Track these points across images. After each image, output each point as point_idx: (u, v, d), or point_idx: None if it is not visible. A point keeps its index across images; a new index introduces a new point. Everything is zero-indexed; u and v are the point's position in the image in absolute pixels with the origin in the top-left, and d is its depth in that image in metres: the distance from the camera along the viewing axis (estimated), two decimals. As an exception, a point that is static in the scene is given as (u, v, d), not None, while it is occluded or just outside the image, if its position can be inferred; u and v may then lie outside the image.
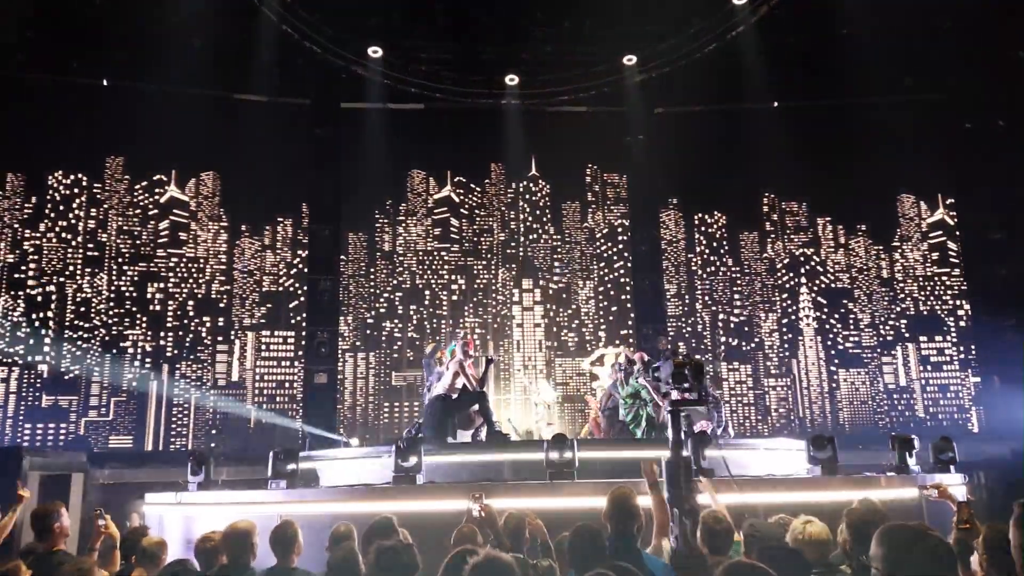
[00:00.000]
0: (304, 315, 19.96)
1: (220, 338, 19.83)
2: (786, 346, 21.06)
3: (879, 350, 20.95)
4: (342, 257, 20.62)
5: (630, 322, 20.93)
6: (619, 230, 21.72)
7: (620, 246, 21.60)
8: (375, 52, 18.53)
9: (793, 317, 21.23)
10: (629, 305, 21.13)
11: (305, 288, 20.10)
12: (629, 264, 21.46)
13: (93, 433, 18.57)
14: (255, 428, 19.36)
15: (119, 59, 17.46)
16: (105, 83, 17.81)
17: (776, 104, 20.00)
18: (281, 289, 20.30)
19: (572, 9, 17.63)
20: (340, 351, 19.98)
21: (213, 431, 19.27)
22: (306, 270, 20.21)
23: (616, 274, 21.45)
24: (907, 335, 20.97)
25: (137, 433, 18.81)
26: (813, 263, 21.40)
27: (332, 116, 19.53)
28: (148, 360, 19.22)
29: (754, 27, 17.70)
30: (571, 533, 4.88)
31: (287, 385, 19.80)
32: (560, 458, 9.06)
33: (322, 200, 19.57)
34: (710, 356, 20.12)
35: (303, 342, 19.78)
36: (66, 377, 18.63)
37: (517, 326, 21.19)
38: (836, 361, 20.92)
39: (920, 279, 21.19)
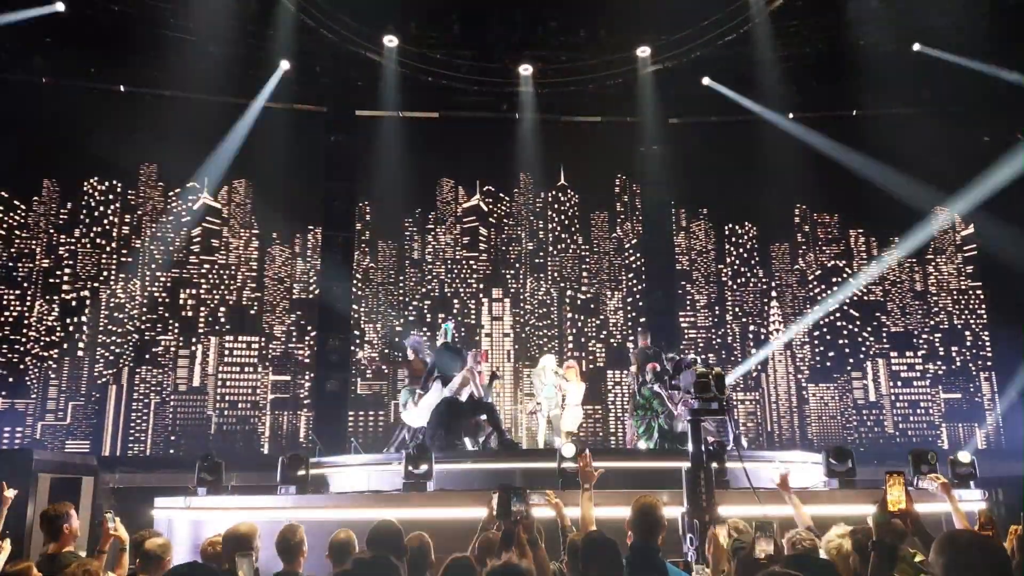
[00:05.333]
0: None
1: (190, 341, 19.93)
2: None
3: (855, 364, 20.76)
4: (371, 265, 20.72)
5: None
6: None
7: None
8: (391, 41, 18.43)
9: (764, 331, 21.06)
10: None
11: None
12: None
13: (49, 437, 18.58)
14: (215, 433, 19.47)
15: (144, 65, 17.49)
16: (122, 88, 17.81)
17: (792, 116, 19.54)
18: (312, 296, 20.38)
19: (585, 8, 17.37)
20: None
21: (172, 437, 19.34)
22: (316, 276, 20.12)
23: (643, 284, 21.29)
24: (886, 349, 20.71)
25: (94, 438, 18.81)
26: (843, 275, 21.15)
27: (347, 123, 19.37)
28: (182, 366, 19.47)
29: (772, 38, 17.31)
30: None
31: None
32: (573, 466, 8.96)
33: (336, 207, 19.35)
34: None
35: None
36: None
37: (486, 335, 21.12)
38: (804, 375, 20.79)
39: (955, 293, 20.80)
